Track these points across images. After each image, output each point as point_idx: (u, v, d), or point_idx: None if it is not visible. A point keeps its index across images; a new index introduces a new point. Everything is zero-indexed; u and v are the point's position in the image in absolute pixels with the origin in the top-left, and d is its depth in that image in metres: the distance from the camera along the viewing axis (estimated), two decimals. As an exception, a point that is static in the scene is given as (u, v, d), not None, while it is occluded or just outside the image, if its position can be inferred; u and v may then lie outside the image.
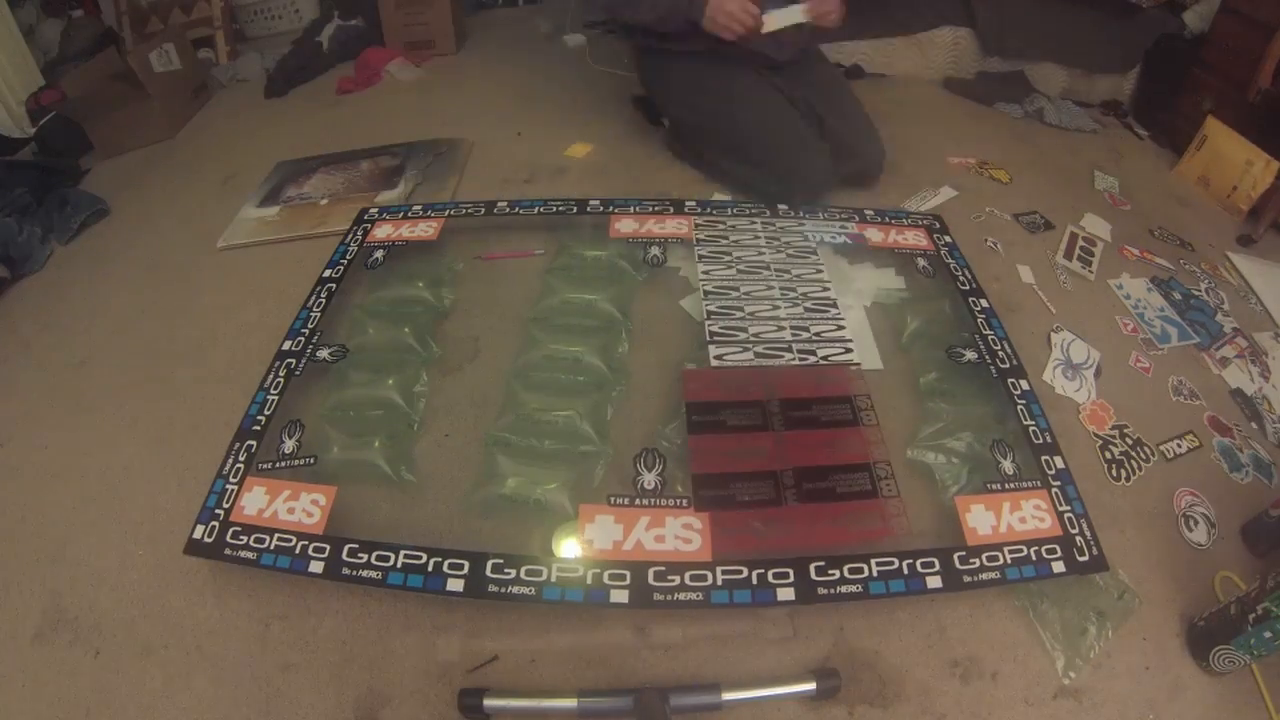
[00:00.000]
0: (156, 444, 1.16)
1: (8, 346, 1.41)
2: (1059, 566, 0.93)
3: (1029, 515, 0.98)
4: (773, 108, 1.52)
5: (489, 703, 0.80)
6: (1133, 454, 1.14)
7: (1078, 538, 0.96)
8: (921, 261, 1.41)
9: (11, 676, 0.91)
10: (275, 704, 0.86)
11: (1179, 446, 1.17)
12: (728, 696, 0.79)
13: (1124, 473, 1.11)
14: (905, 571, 0.91)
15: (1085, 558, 0.94)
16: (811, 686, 0.81)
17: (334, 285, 1.36)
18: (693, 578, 0.90)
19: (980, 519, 0.97)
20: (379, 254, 1.43)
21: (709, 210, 1.52)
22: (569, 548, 0.94)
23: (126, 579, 0.99)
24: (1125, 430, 1.17)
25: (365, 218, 1.54)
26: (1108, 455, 1.13)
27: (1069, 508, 1.00)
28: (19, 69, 2.21)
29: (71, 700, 0.88)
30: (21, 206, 1.71)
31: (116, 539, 1.04)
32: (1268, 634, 0.82)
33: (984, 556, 0.93)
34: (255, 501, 1.00)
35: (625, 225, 1.47)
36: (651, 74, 1.68)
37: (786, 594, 0.89)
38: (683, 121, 1.69)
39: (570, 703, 0.78)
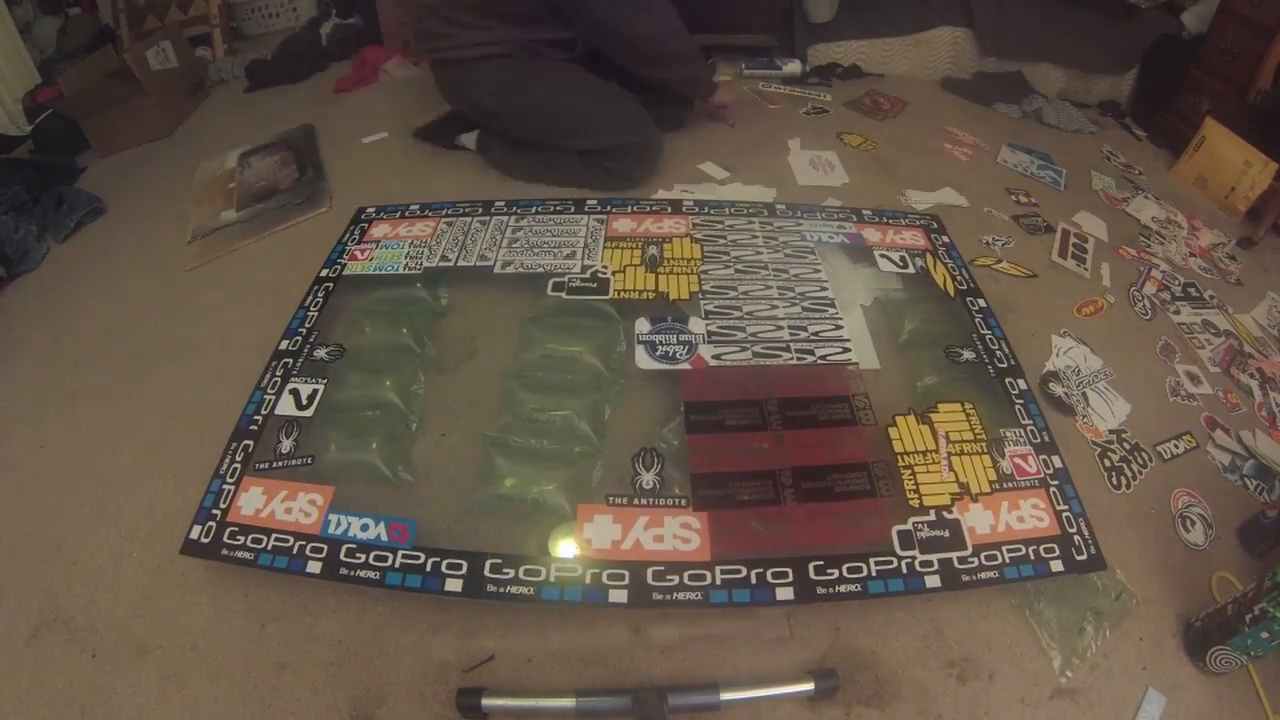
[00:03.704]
0: (153, 444, 1.16)
1: (3, 346, 1.40)
2: (1057, 565, 0.93)
3: (1027, 514, 0.98)
4: (608, 88, 1.62)
5: (487, 702, 0.80)
6: (1131, 458, 1.14)
7: (1075, 536, 0.96)
8: (918, 261, 1.41)
9: (7, 676, 0.90)
10: (271, 704, 0.86)
11: (1176, 447, 1.17)
12: (726, 696, 0.79)
13: (1124, 480, 1.10)
14: (904, 571, 0.91)
15: (1083, 556, 0.94)
16: (809, 687, 0.81)
17: (331, 285, 1.35)
18: (691, 577, 0.90)
19: (978, 518, 0.97)
20: (377, 253, 1.42)
21: (707, 210, 1.52)
22: (567, 548, 0.94)
23: (123, 579, 0.99)
24: (1123, 435, 1.17)
25: (362, 217, 1.53)
26: (1106, 463, 1.12)
27: (1066, 507, 1.00)
28: (15, 66, 2.20)
29: (67, 700, 0.88)
30: (18, 204, 1.71)
31: (113, 539, 1.04)
32: (1264, 634, 0.82)
33: (982, 556, 0.93)
34: (252, 501, 1.00)
35: (623, 225, 1.47)
36: (481, 86, 1.60)
37: (785, 593, 0.89)
38: (519, 121, 1.65)
39: (568, 702, 0.78)
